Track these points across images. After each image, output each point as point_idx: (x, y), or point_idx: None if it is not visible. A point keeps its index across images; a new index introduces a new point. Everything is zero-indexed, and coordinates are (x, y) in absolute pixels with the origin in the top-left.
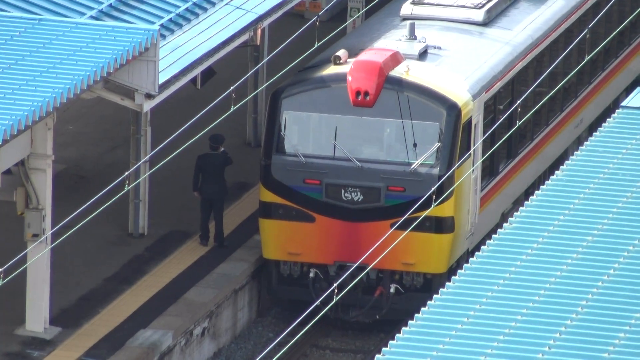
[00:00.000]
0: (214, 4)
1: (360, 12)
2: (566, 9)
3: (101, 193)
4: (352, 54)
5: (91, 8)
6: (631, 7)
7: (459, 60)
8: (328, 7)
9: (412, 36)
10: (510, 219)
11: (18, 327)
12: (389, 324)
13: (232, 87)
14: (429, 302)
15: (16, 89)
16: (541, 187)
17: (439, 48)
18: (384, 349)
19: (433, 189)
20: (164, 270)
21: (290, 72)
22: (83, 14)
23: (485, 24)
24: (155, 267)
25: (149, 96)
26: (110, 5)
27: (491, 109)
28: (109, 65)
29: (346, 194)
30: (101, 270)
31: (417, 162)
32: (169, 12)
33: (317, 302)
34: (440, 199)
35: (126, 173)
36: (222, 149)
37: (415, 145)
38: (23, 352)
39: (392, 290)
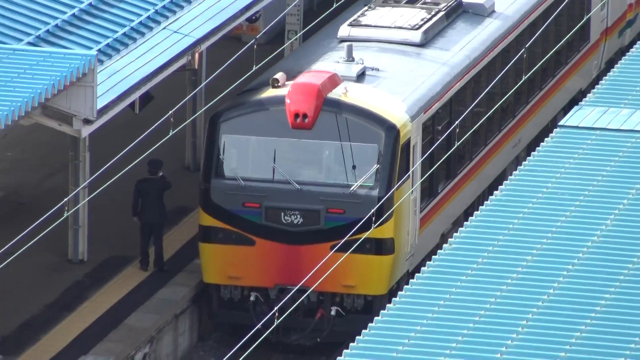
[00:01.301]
0: (151, 29)
1: (298, 35)
2: (503, 29)
3: (40, 219)
4: (290, 76)
5: (28, 34)
6: (568, 26)
7: (397, 81)
8: (266, 30)
9: (350, 58)
10: (450, 239)
11: None
12: (331, 347)
13: (170, 112)
14: (369, 324)
15: None
16: (480, 207)
17: (377, 69)
18: None
19: (372, 210)
20: (104, 296)
21: (229, 95)
22: (20, 40)
23: (422, 45)
24: (96, 293)
25: (87, 121)
26: (48, 31)
27: (430, 129)
28: (47, 91)
29: (286, 217)
30: (41, 297)
31: (356, 184)
32: (107, 37)
33: (258, 326)
34: (380, 221)
35: (65, 199)
36: (161, 173)
37: (354, 167)
38: None
39: (332, 312)
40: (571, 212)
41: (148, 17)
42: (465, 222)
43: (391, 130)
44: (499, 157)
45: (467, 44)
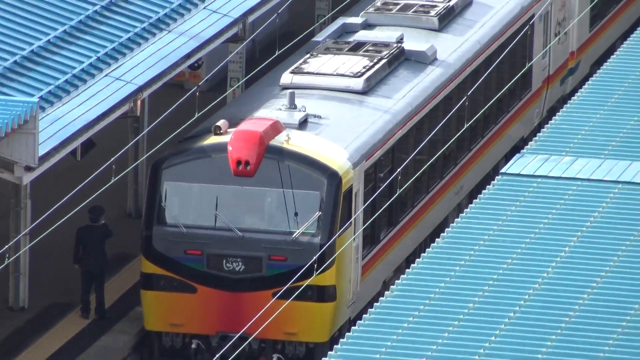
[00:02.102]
0: (93, 76)
1: (240, 82)
2: (445, 77)
3: None
4: (233, 123)
5: None
6: (510, 74)
7: (339, 128)
8: (208, 78)
9: (292, 105)
10: (391, 287)
11: None
12: None
13: (112, 159)
14: None
15: None
16: (422, 254)
17: (319, 117)
18: None
19: (314, 257)
20: (45, 344)
21: (171, 142)
22: None
23: (364, 92)
24: (37, 341)
25: (28, 168)
26: None
27: (372, 177)
28: None
29: (228, 264)
30: None
31: (298, 231)
32: (49, 84)
33: None
34: (322, 268)
35: (6, 246)
36: (103, 221)
37: (296, 214)
38: None
39: None
40: (513, 259)
41: (90, 64)
42: (407, 270)
43: (333, 177)
44: (441, 205)
45: (409, 92)
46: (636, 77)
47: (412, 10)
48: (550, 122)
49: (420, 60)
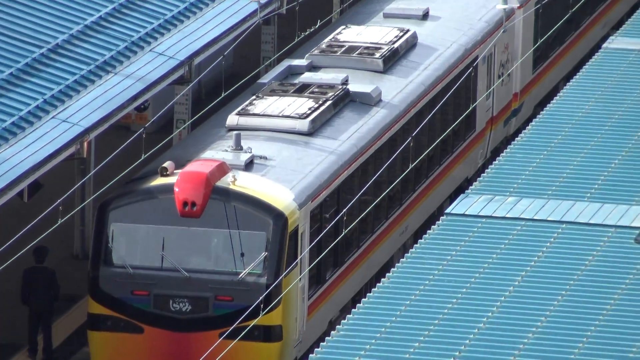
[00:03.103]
0: (39, 118)
1: (187, 124)
2: (390, 118)
3: None
4: (179, 165)
5: None
6: (454, 115)
7: (285, 169)
8: (154, 119)
9: (238, 147)
10: (337, 326)
11: None
12: None
13: (59, 200)
14: None
15: None
16: (368, 294)
17: (265, 158)
18: None
19: (261, 298)
20: None
21: (118, 184)
22: None
23: (310, 133)
24: None
25: None
26: None
27: (317, 217)
28: None
29: (174, 304)
30: None
31: (244, 271)
32: None
33: None
34: (268, 308)
35: None
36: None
37: (242, 254)
38: None
39: None
40: (458, 299)
41: (37, 107)
42: (352, 310)
43: (279, 218)
44: (386, 245)
45: (354, 133)
46: (579, 118)
47: (356, 52)
48: (494, 162)
49: (365, 102)
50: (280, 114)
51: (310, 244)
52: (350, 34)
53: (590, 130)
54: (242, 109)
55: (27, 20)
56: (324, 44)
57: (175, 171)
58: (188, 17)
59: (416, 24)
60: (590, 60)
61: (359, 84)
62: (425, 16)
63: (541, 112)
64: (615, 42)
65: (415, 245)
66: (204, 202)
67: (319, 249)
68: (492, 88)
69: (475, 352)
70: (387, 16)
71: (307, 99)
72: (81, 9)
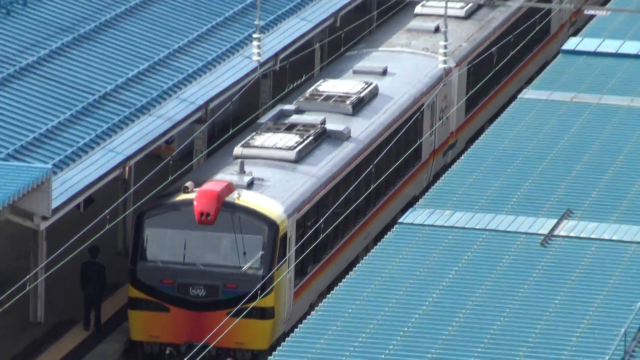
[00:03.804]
0: (93, 148)
1: (203, 153)
2: (357, 150)
3: (7, 292)
4: (198, 184)
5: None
6: (405, 148)
7: (277, 189)
8: (179, 150)
9: (242, 171)
10: (316, 308)
11: None
12: None
13: (107, 211)
14: None
15: None
16: (339, 284)
17: (262, 179)
18: None
19: (258, 286)
20: (55, 351)
21: (151, 199)
22: None
23: (296, 161)
24: (50, 347)
25: (44, 218)
26: (15, 150)
27: (302, 225)
28: (14, 195)
29: (193, 290)
30: (8, 352)
31: (246, 266)
32: (59, 154)
33: None
34: (264, 294)
35: (27, 276)
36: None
37: (245, 253)
38: None
39: None
40: (404, 290)
41: (91, 140)
42: (327, 295)
43: (272, 225)
44: (353, 246)
45: (330, 161)
46: (500, 151)
47: (332, 99)
48: (435, 184)
49: (338, 138)
50: (274, 146)
51: (295, 245)
52: (328, 86)
53: (508, 160)
54: (245, 142)
55: (83, 74)
56: (307, 93)
57: (194, 189)
58: (205, 72)
59: (378, 79)
60: (509, 107)
61: (333, 124)
62: (384, 73)
63: (471, 146)
64: (528, 94)
65: (375, 247)
66: (216, 213)
67: (303, 249)
68: (434, 128)
69: (419, 330)
70: (355, 72)
71: (295, 134)
72: (124, 65)
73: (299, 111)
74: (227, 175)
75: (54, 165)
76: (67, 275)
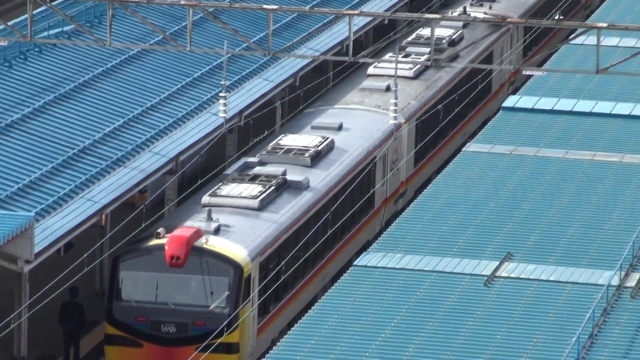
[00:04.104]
0: (72, 197)
1: (174, 202)
2: (315, 198)
3: None
4: (169, 230)
5: None
6: (359, 197)
7: (242, 234)
8: (151, 199)
9: (210, 218)
10: (278, 343)
11: None
12: None
13: (85, 255)
14: None
15: None
16: (299, 321)
17: (228, 226)
18: None
19: (225, 323)
20: None
21: (126, 243)
22: None
23: (259, 209)
24: None
25: (27, 262)
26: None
27: (264, 268)
28: (0, 240)
29: (164, 328)
30: None
31: (213, 305)
32: (42, 203)
33: None
34: (230, 330)
35: (12, 315)
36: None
37: (212, 293)
38: None
39: None
40: (355, 330)
41: (70, 190)
42: (288, 332)
43: (237, 268)
44: (312, 287)
45: (290, 209)
46: (446, 200)
47: (292, 152)
48: (387, 230)
49: (298, 187)
50: (239, 195)
51: (258, 286)
52: (288, 140)
53: (454, 207)
54: (212, 192)
55: (63, 129)
56: (269, 147)
57: (166, 235)
58: (175, 128)
59: (334, 133)
60: (454, 159)
61: (293, 175)
62: (340, 128)
63: (420, 195)
64: (471, 147)
65: (332, 287)
66: (185, 257)
67: (265, 290)
68: (386, 178)
69: None
70: (313, 127)
71: (258, 185)
72: (101, 121)
73: (261, 163)
74: (195, 222)
75: (36, 213)
76: (48, 313)
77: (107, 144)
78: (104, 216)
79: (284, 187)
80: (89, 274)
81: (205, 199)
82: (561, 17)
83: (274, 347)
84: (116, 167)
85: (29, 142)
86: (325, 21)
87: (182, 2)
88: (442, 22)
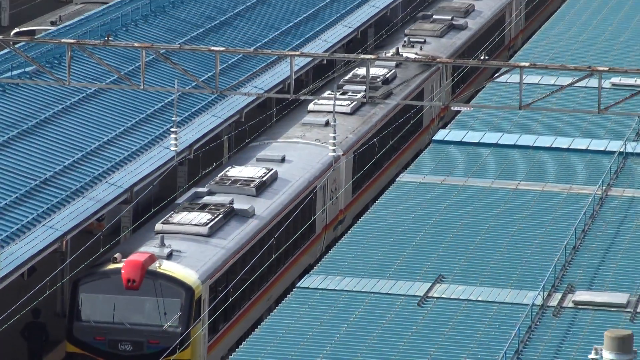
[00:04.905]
0: (35, 225)
1: (129, 229)
2: (260, 225)
3: None
4: (125, 255)
5: None
6: (301, 224)
7: (192, 259)
8: (109, 226)
9: (163, 244)
10: None
11: None
12: None
13: (47, 279)
14: None
15: None
16: (246, 340)
17: (180, 251)
18: None
19: (177, 341)
20: None
21: (85, 268)
22: None
23: (209, 235)
24: None
25: None
26: None
27: (214, 290)
28: None
29: (121, 346)
30: None
31: (167, 324)
32: (7, 230)
33: None
34: (182, 348)
35: None
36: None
37: (165, 313)
38: None
39: None
40: (296, 350)
41: (33, 218)
42: (236, 349)
43: (189, 290)
44: (258, 308)
45: (237, 235)
46: (382, 226)
47: (239, 183)
48: (327, 254)
49: (244, 215)
50: (190, 223)
51: (209, 307)
52: (235, 171)
53: (389, 233)
54: (165, 220)
55: (26, 163)
56: (217, 178)
57: (122, 260)
58: (130, 160)
59: (277, 165)
60: (389, 188)
61: (240, 204)
62: (283, 160)
63: (357, 222)
64: (405, 177)
65: (276, 308)
66: (140, 280)
67: (215, 310)
68: (326, 206)
69: None
70: (258, 160)
71: (207, 213)
72: (61, 155)
73: (210, 193)
74: (149, 247)
75: (1, 240)
76: (13, 333)
77: (66, 175)
78: (64, 243)
79: (231, 215)
80: (51, 296)
81: (159, 226)
82: (486, 57)
83: None
84: (75, 197)
85: None
86: (268, 61)
87: (136, 45)
88: (377, 62)
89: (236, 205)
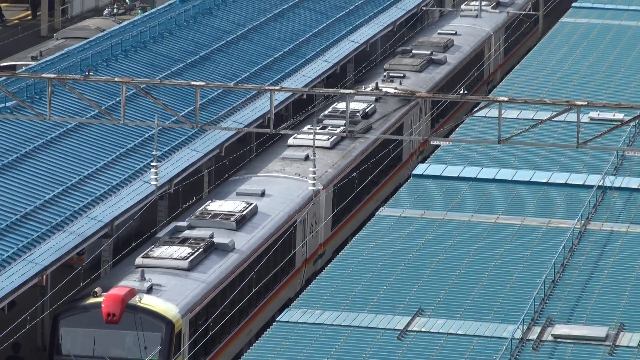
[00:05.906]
0: (15, 260)
1: (109, 263)
2: (240, 259)
3: None
4: (105, 289)
5: None
6: (281, 257)
7: (173, 293)
8: (89, 260)
9: (143, 278)
10: None
11: None
12: None
13: (27, 313)
14: None
15: None
16: None
17: (160, 285)
18: None
19: None
20: None
21: (65, 302)
22: None
23: (189, 269)
24: None
25: None
26: None
27: (194, 324)
28: None
29: None
30: None
31: (147, 358)
32: None
33: None
34: None
35: None
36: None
37: (145, 347)
38: None
39: None
40: None
41: (13, 253)
42: None
43: (169, 324)
44: (238, 341)
45: (217, 269)
46: (360, 261)
47: (219, 217)
48: (307, 288)
49: (224, 249)
50: (170, 257)
51: (189, 341)
52: (215, 206)
53: (368, 267)
54: (145, 254)
55: (6, 196)
56: (197, 212)
57: (102, 294)
58: (110, 195)
59: (257, 199)
60: (368, 222)
61: (220, 238)
62: (263, 194)
63: (337, 256)
64: (384, 211)
65: (256, 341)
66: (120, 314)
67: (195, 344)
68: (305, 240)
69: None
70: (238, 194)
71: (187, 247)
72: (42, 189)
73: (190, 227)
74: (130, 281)
75: None
76: None
77: (47, 210)
78: (44, 277)
79: (211, 249)
80: (31, 330)
81: (139, 260)
82: (465, 92)
83: None
84: (56, 231)
85: None
86: (248, 96)
87: (116, 79)
88: (356, 97)
89: (216, 240)
